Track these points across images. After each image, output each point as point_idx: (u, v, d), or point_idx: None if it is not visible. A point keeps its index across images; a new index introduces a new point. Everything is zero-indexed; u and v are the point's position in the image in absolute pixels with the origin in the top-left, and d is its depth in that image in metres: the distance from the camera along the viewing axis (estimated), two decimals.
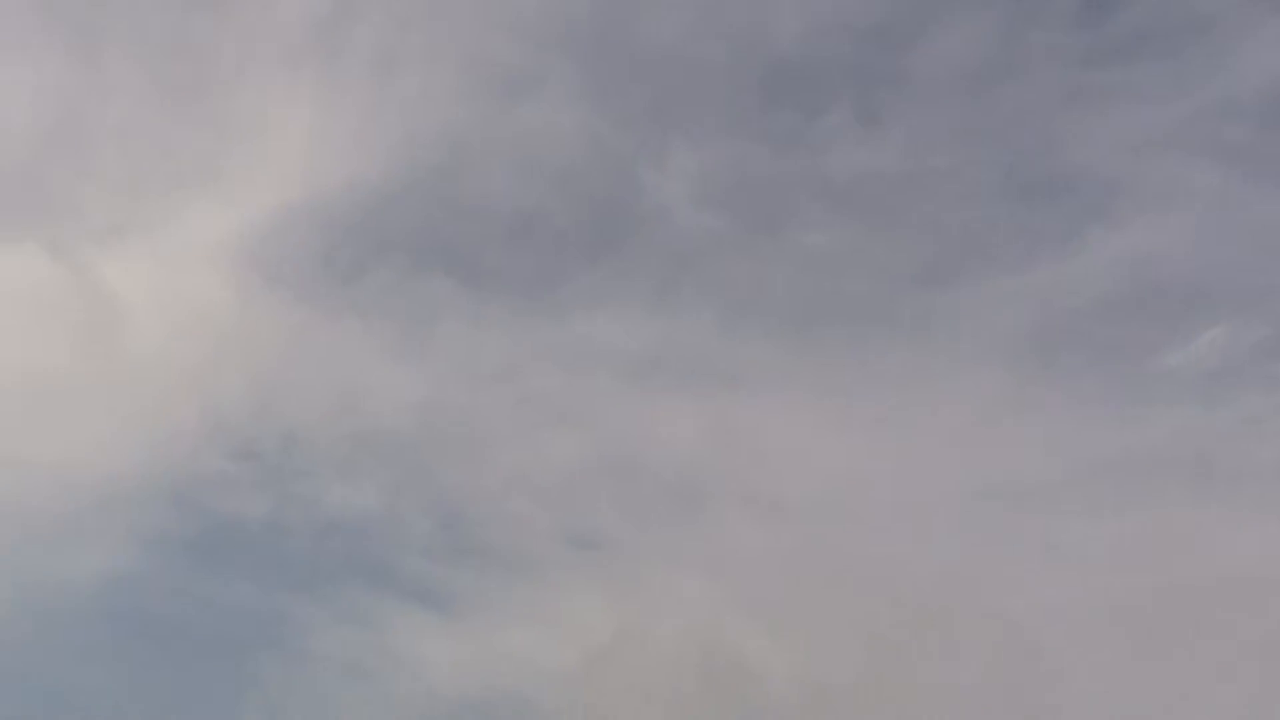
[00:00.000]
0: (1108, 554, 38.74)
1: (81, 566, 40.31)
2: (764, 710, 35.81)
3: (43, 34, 48.18)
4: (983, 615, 36.13)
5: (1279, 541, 36.59)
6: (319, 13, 48.52)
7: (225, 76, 48.22)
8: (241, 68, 48.29)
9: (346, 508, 43.64)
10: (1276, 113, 45.91)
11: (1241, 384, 42.26)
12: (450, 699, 39.72)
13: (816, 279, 48.71)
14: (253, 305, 45.74)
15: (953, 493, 41.56)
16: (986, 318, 45.92)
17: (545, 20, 49.38)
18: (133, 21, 48.65)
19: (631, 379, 46.67)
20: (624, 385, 46.50)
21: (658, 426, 45.18)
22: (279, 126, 48.32)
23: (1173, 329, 44.11)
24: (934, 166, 48.38)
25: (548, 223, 49.12)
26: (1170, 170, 46.59)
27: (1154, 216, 46.17)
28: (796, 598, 38.95)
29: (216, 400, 43.71)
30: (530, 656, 39.32)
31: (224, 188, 47.49)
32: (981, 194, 48.19)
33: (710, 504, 43.44)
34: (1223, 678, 34.34)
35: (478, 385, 46.75)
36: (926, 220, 47.87)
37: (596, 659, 37.35)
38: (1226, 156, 46.10)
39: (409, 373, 46.25)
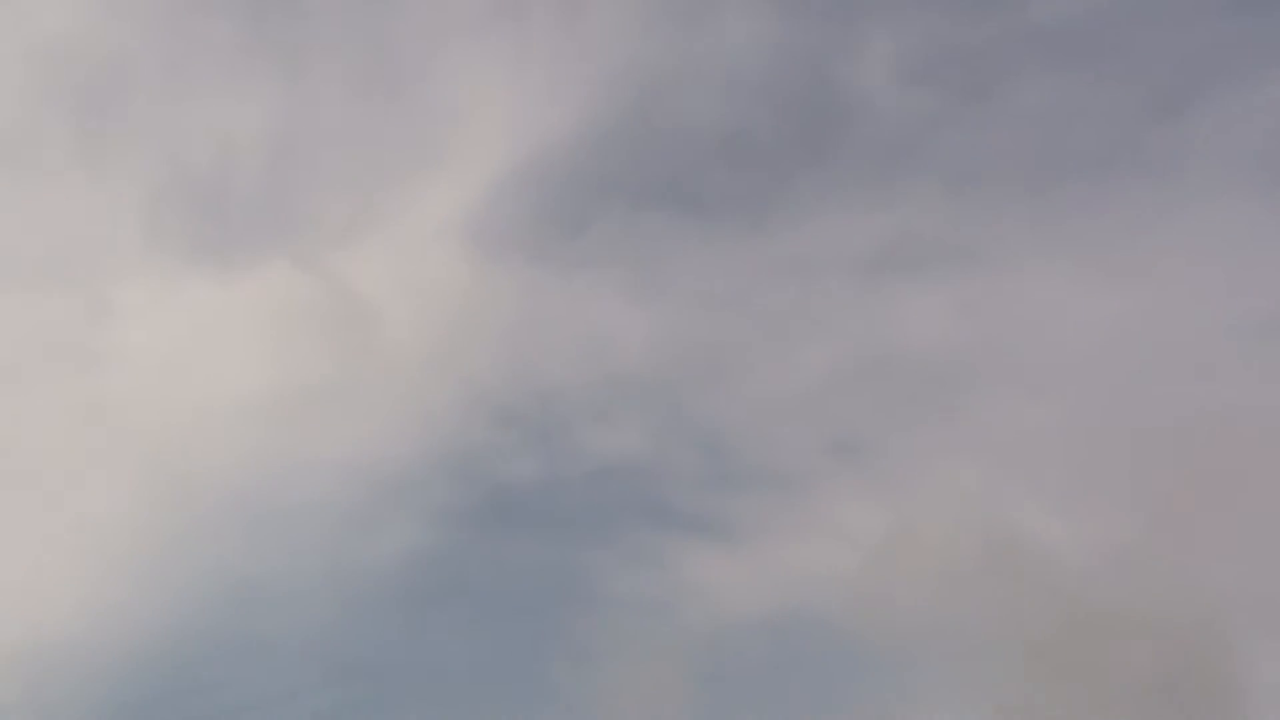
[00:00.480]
0: None
1: (379, 550, 42.55)
2: (1052, 586, 34.80)
3: (252, 56, 50.45)
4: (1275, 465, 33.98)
5: None
6: None
7: (418, 62, 49.40)
8: (432, 50, 49.37)
9: (612, 454, 44.38)
10: None
11: None
12: (742, 622, 40.10)
13: (1041, 137, 46.55)
14: (488, 276, 46.97)
15: (1224, 330, 39.18)
16: (1230, 139, 42.86)
17: None
18: (325, 27, 50.33)
19: (868, 277, 45.81)
20: (861, 285, 45.69)
21: (902, 320, 44.21)
22: (479, 98, 49.22)
23: None
24: None
25: (755, 137, 48.52)
26: None
27: None
28: (1073, 468, 37.58)
29: (471, 374, 45.21)
30: (812, 569, 39.29)
31: (439, 169, 48.81)
32: (1203, 8, 44.83)
33: (970, 388, 42.33)
34: None
35: (716, 312, 46.75)
36: (1148, 50, 44.85)
37: (876, 561, 37.08)
38: None
39: (648, 311, 46.61)
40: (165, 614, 45.84)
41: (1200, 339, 40.14)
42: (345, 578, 43.56)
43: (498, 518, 44.93)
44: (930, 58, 47.50)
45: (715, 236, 47.05)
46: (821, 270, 45.86)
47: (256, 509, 44.58)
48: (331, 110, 50.13)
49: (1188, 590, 33.05)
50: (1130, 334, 41.82)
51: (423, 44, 49.06)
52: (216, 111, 49.36)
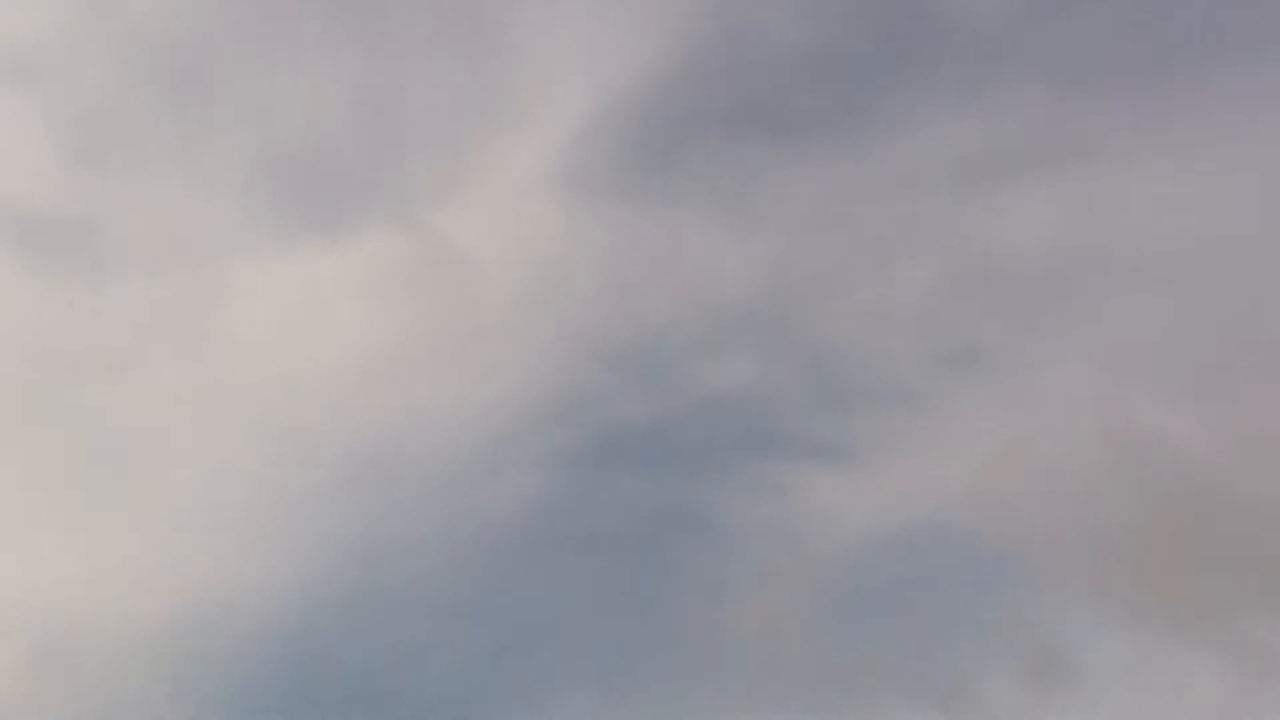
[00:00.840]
0: None
1: (496, 499, 42.87)
2: (1182, 484, 33.73)
3: (333, 19, 50.61)
4: None
5: None
6: None
7: (499, 11, 49.13)
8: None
9: (722, 386, 44.07)
10: None
11: None
12: (867, 544, 39.69)
13: (1149, 17, 44.62)
14: (583, 219, 46.82)
15: None
16: None
17: None
18: None
19: (970, 183, 44.64)
20: (964, 191, 44.56)
21: (1010, 224, 43.04)
22: (561, 41, 48.86)
23: None
24: None
25: (842, 51, 47.32)
26: None
27: None
28: (1196, 363, 36.32)
29: (573, 319, 45.16)
30: (934, 484, 38.73)
31: (526, 117, 48.68)
32: None
33: (1085, 289, 41.16)
34: None
35: (816, 233, 46.04)
36: None
37: (999, 471, 36.33)
38: None
39: (746, 239, 46.07)
40: (295, 578, 46.83)
41: None
42: (466, 529, 44.10)
43: (611, 460, 44.97)
44: None
45: (809, 157, 46.12)
46: (923, 180, 44.77)
47: (375, 468, 45.23)
48: (416, 68, 50.17)
49: None
50: (1248, 223, 40.20)
51: None
52: (303, 79, 49.67)
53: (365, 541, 45.81)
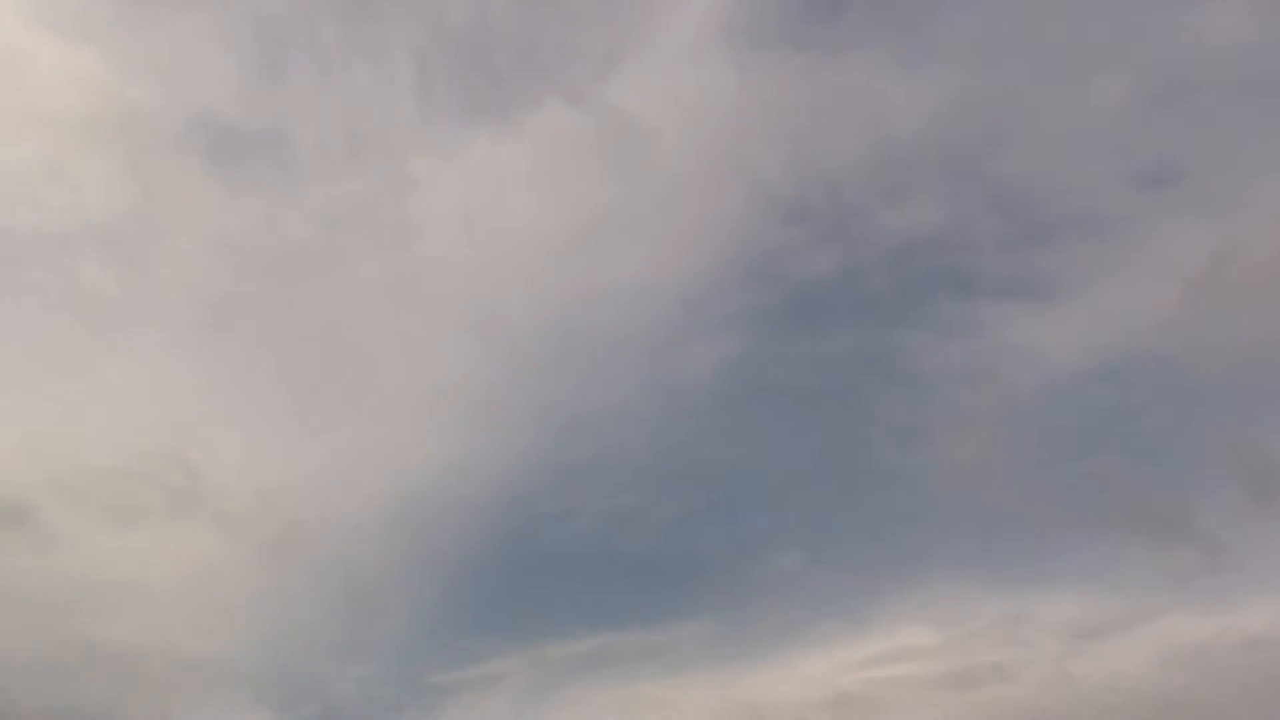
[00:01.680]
0: None
1: (691, 365, 43.17)
2: None
3: None
4: None
5: None
6: None
7: None
8: None
9: (909, 230, 43.23)
10: None
11: None
12: (1068, 377, 38.78)
13: None
14: (753, 74, 46.10)
15: None
16: None
17: None
18: None
19: None
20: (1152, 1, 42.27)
21: (1202, 34, 40.69)
22: None
23: None
24: None
25: None
26: None
27: None
28: None
29: (754, 176, 44.73)
30: (1136, 309, 37.44)
31: None
32: None
33: None
34: None
35: (995, 60, 44.43)
36: None
37: (1203, 290, 34.84)
38: None
39: (923, 76, 44.77)
40: (503, 453, 48.42)
41: None
42: (664, 394, 44.69)
43: (801, 314, 44.75)
44: None
45: None
46: None
47: (570, 342, 46.10)
48: None
49: None
50: None
51: None
52: None
53: (567, 413, 46.96)
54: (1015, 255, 41.21)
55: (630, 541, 56.77)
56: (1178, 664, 34.81)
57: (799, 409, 44.19)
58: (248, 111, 49.10)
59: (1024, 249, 41.23)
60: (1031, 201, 41.82)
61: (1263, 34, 40.33)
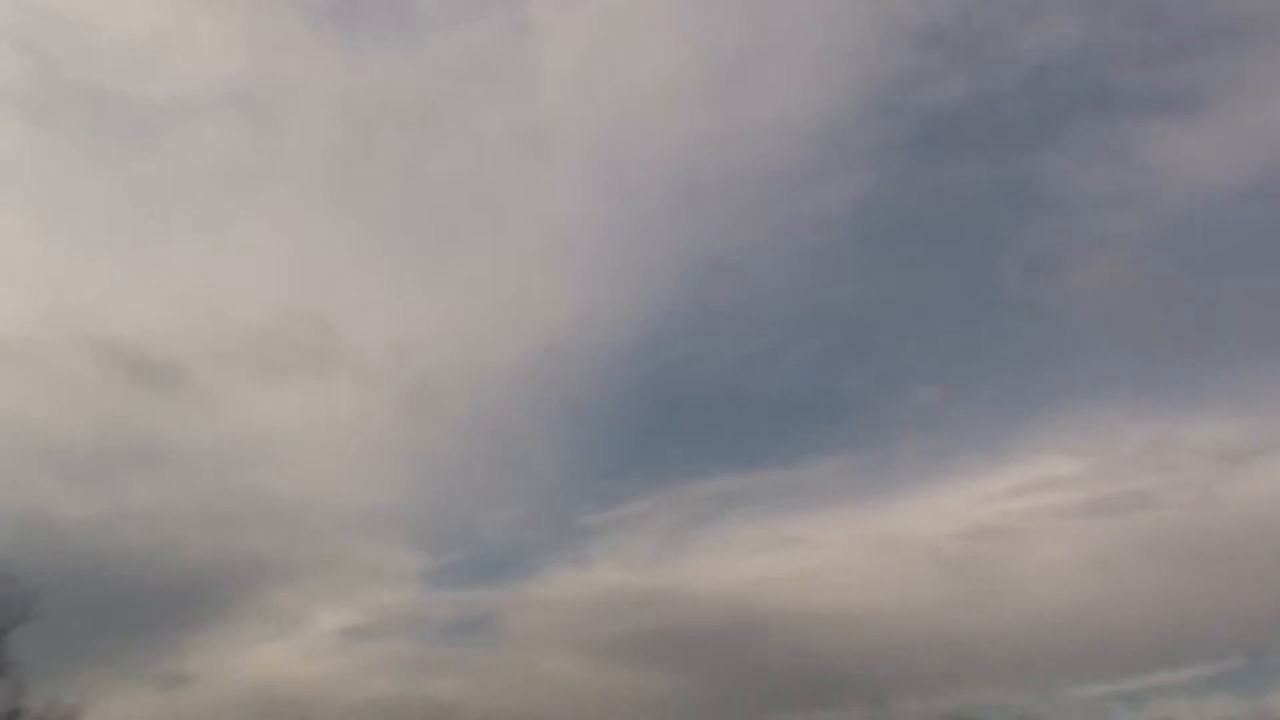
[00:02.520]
0: None
1: (826, 201, 42.66)
2: None
3: None
4: None
5: None
6: None
7: None
8: None
9: (1046, 50, 42.16)
10: None
11: None
12: (1220, 196, 37.88)
13: None
14: None
15: None
16: None
17: None
18: None
19: None
20: None
21: None
22: None
23: None
24: None
25: None
26: None
27: None
28: None
29: (882, 3, 43.63)
30: None
31: None
32: None
33: None
34: None
35: None
36: None
37: None
38: None
39: None
40: (639, 301, 48.24)
41: None
42: (799, 232, 44.17)
43: (935, 144, 44.03)
44: None
45: None
46: None
47: (703, 185, 45.62)
48: None
49: None
50: None
51: None
52: None
53: (700, 257, 46.62)
54: (1159, 69, 40.17)
55: (767, 382, 56.76)
56: None
57: (934, 242, 43.70)
58: None
59: (1168, 62, 40.17)
60: (1175, 10, 40.58)
61: None
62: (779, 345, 51.10)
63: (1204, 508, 39.32)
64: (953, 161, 43.83)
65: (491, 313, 50.19)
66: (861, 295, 45.85)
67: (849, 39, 44.56)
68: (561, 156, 48.79)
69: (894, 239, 44.27)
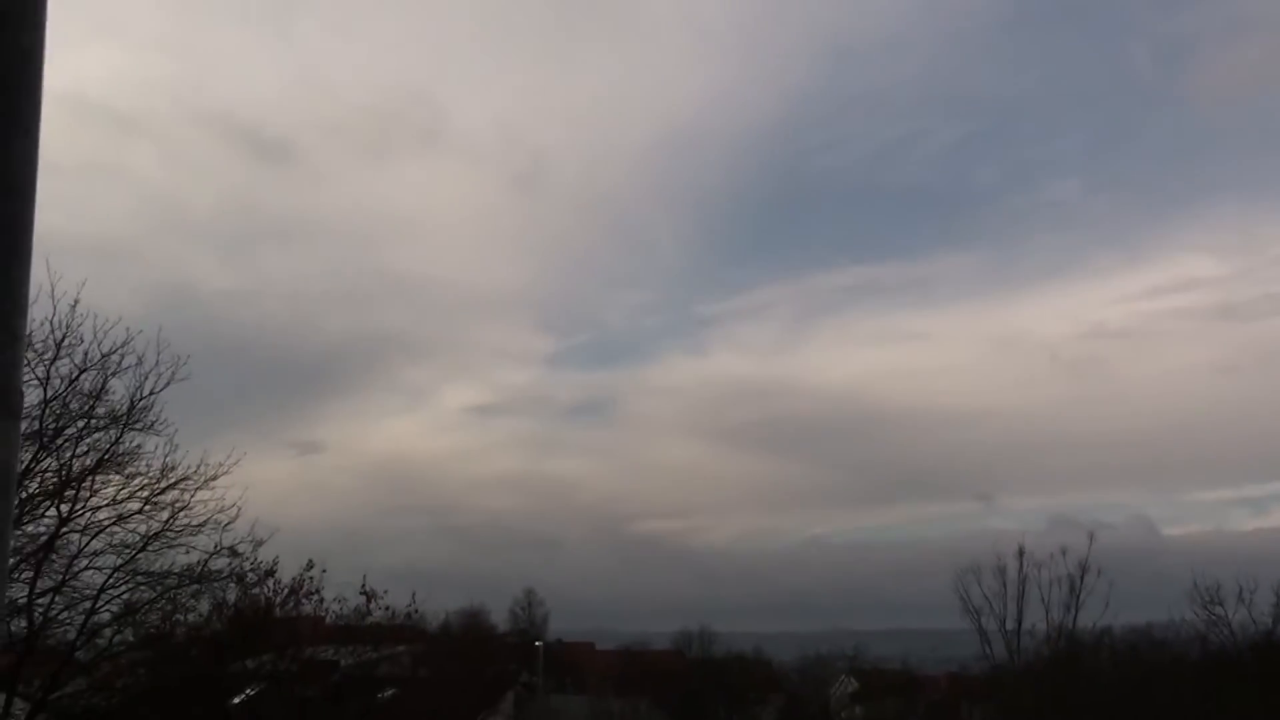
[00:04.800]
0: None
1: None
2: None
3: None
4: None
5: None
6: None
7: None
8: None
9: None
10: None
11: None
12: None
13: None
14: None
15: None
16: None
17: None
18: None
19: None
20: None
21: None
22: None
23: None
24: None
25: None
26: None
27: None
28: None
29: None
30: None
31: None
32: None
33: None
34: None
35: None
36: None
37: None
38: None
39: None
40: (772, 84, 47.11)
41: None
42: (938, 18, 42.20)
43: None
44: None
45: None
46: None
47: None
48: None
49: None
50: None
51: None
52: None
53: (836, 41, 44.52)
54: None
55: (898, 173, 54.77)
56: None
57: (1077, 31, 40.93)
58: None
59: None
60: None
61: None
62: (912, 136, 49.66)
63: None
64: None
65: (615, 95, 49.09)
66: (999, 85, 44.28)
67: None
68: None
69: (1034, 27, 42.47)
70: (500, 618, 68.02)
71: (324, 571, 21.03)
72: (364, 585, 22.00)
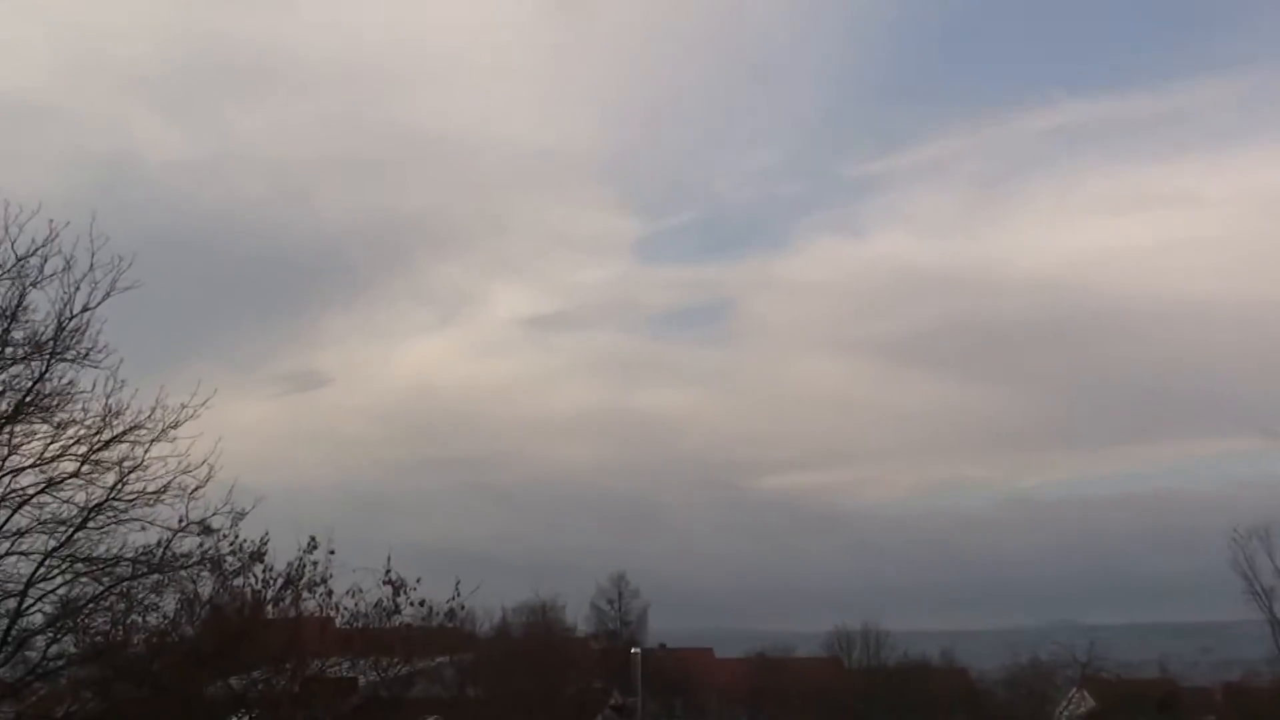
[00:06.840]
0: None
1: None
2: None
3: None
4: None
5: None
6: None
7: None
8: None
9: None
10: None
11: None
12: None
13: None
14: None
15: None
16: None
17: None
18: None
19: None
20: None
21: None
22: None
23: None
24: None
25: None
26: None
27: None
28: None
29: None
30: None
31: None
32: None
33: None
34: None
35: None
36: None
37: None
38: None
39: None
40: None
41: None
42: None
43: None
44: None
45: None
46: None
47: None
48: None
49: None
50: None
51: None
52: None
53: None
54: None
55: None
56: None
57: None
58: None
59: None
60: None
61: None
62: None
63: None
64: None
65: None
66: None
67: None
68: None
69: None
70: (579, 614, 55.09)
71: (331, 553, 15.97)
72: (388, 571, 16.80)
